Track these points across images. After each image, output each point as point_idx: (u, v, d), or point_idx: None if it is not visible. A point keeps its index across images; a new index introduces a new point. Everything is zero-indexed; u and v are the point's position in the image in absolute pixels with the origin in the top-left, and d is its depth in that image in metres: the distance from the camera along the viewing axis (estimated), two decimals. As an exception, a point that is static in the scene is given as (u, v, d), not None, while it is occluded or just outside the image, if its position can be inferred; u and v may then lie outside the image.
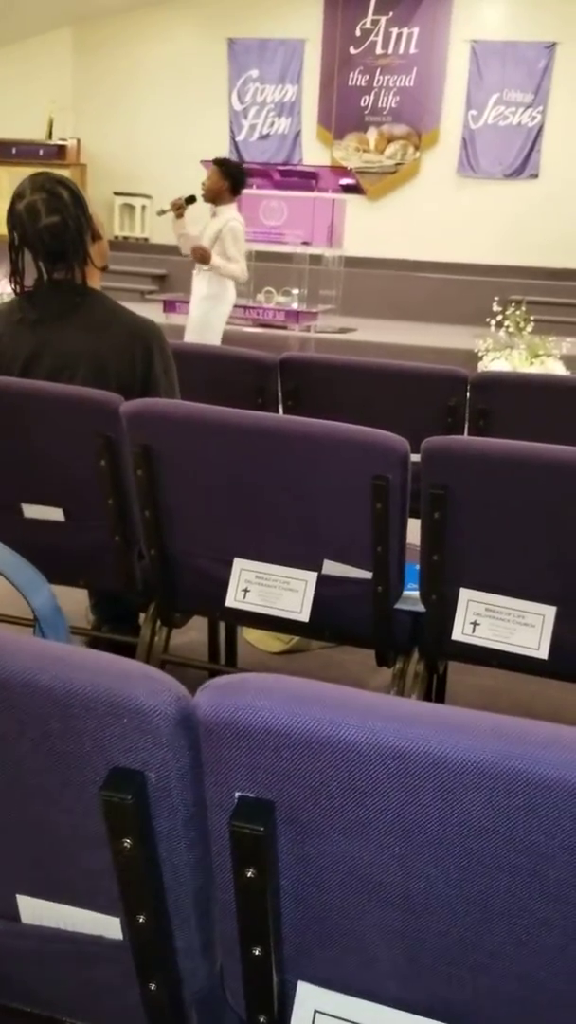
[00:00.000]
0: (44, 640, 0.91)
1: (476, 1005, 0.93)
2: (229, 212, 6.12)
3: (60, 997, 1.11)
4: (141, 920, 0.95)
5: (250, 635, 3.39)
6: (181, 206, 6.20)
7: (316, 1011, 0.97)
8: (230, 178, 6.09)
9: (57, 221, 2.47)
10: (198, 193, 6.19)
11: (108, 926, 1.02)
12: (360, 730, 0.78)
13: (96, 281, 2.64)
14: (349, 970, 0.95)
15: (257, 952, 0.92)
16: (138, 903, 0.94)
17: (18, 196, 2.49)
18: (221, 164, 6.19)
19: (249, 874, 0.86)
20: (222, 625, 3.10)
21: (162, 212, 6.48)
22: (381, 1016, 0.95)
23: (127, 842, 0.88)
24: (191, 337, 6.21)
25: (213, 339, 6.23)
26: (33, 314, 2.52)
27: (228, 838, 0.85)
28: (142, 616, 2.67)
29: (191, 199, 6.23)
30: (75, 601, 3.18)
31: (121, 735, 0.85)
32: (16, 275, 2.56)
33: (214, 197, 6.09)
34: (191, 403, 2.26)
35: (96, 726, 0.85)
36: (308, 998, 0.97)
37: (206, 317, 6.27)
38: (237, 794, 0.85)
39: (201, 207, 6.31)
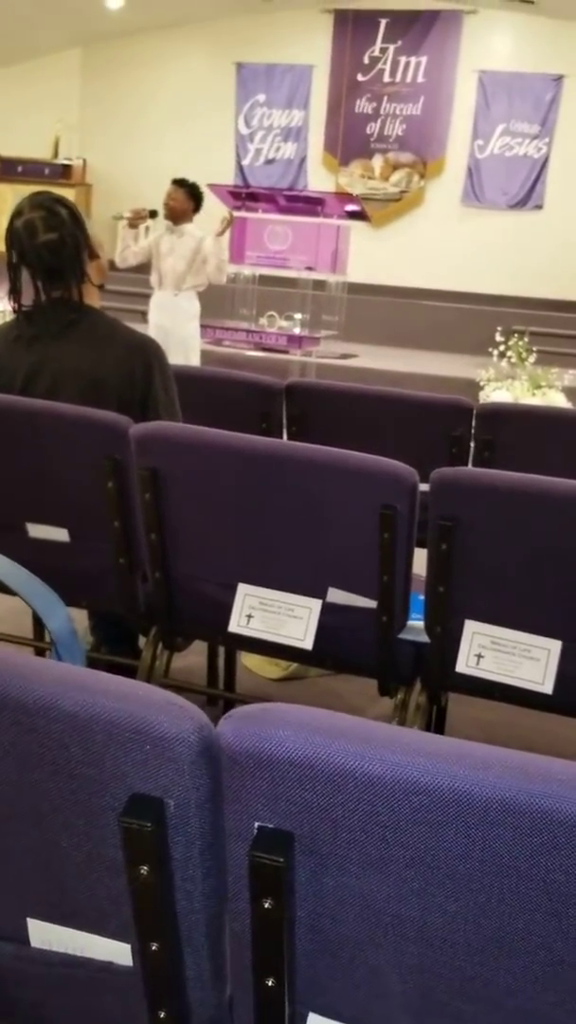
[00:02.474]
0: (66, 664, 0.91)
1: (488, 1042, 0.92)
2: (196, 229, 6.43)
3: (63, 1022, 1.11)
4: (154, 948, 0.95)
5: (248, 661, 3.39)
6: (144, 217, 6.36)
7: (326, 1044, 0.96)
8: (194, 199, 6.45)
9: (55, 238, 2.48)
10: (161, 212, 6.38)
11: (118, 953, 1.02)
12: (384, 764, 0.78)
13: (95, 299, 2.65)
14: (361, 1003, 0.95)
15: (270, 983, 0.91)
16: (152, 930, 0.93)
17: (16, 214, 2.51)
18: (187, 185, 6.44)
19: (267, 904, 0.86)
20: (221, 650, 3.10)
21: (119, 217, 6.61)
22: (391, 1051, 0.95)
23: (144, 869, 0.88)
24: (179, 359, 6.32)
25: (197, 359, 6.42)
26: (30, 331, 2.53)
27: (246, 868, 0.85)
28: (141, 638, 2.67)
29: (153, 213, 6.41)
30: (75, 622, 3.18)
31: (142, 762, 0.85)
32: (14, 293, 2.57)
33: (179, 216, 6.27)
34: (199, 427, 2.26)
35: (117, 752, 0.86)
36: (319, 1031, 0.97)
37: (193, 337, 6.46)
38: (257, 824, 0.85)
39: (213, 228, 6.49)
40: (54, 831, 0.95)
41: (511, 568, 2.09)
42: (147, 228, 6.55)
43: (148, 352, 2.59)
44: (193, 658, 3.15)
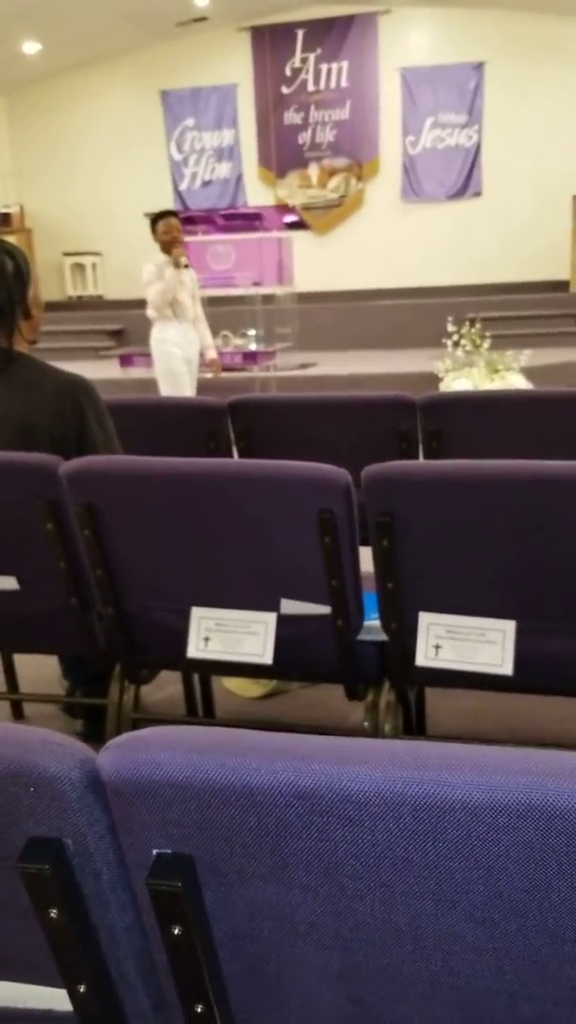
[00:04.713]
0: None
1: (428, 1038, 0.91)
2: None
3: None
4: (82, 990, 0.93)
5: (229, 683, 3.37)
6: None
7: (269, 1063, 0.95)
8: None
9: None
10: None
11: (56, 998, 1.00)
12: (260, 773, 0.77)
13: (23, 349, 2.65)
14: (295, 1015, 0.94)
15: (199, 1009, 0.90)
16: (76, 972, 0.92)
17: None
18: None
19: (176, 931, 0.84)
20: (197, 676, 3.08)
21: (187, 265, 6.56)
22: (335, 1061, 0.94)
23: (53, 912, 0.87)
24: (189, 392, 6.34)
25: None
26: None
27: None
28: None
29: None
30: (49, 667, 3.16)
31: (31, 805, 0.84)
32: None
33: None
34: (130, 457, 2.26)
35: (4, 799, 0.84)
36: (260, 1050, 0.95)
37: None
38: (155, 851, 0.84)
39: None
40: (-35, 885, 0.93)
41: (454, 555, 2.09)
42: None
43: (78, 391, 2.58)
44: (172, 687, 3.13)
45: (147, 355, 9.14)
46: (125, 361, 8.41)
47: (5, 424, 2.49)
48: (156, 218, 6.43)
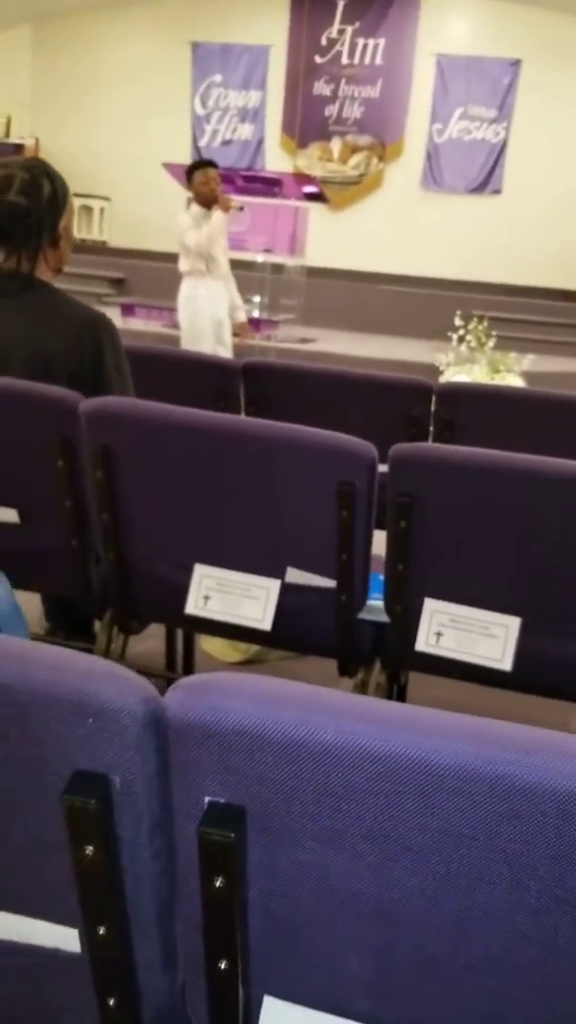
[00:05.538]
0: (3, 637, 0.87)
1: (449, 1021, 0.90)
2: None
3: (14, 1015, 1.06)
4: (102, 932, 0.91)
5: (208, 645, 3.35)
6: None
7: (282, 1027, 0.93)
8: None
9: (20, 203, 2.41)
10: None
11: (65, 938, 0.98)
12: (337, 732, 0.74)
13: (47, 278, 2.58)
14: (318, 984, 0.92)
15: (223, 966, 0.88)
16: (99, 914, 0.89)
17: (3, 164, 2.44)
18: None
19: (217, 883, 0.82)
20: (180, 633, 3.05)
21: (240, 207, 6.43)
22: (349, 1032, 0.92)
23: (89, 849, 0.84)
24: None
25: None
26: None
27: (196, 845, 0.82)
28: (97, 623, 2.61)
29: None
30: (32, 606, 3.12)
31: (85, 737, 0.81)
32: None
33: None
34: (153, 403, 2.21)
35: (59, 727, 0.81)
36: (274, 1013, 0.93)
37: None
38: (207, 799, 0.81)
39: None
40: (-5, 812, 0.90)
41: (470, 545, 2.07)
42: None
43: (99, 328, 2.51)
44: (151, 642, 3.10)
45: (149, 307, 9.07)
46: (127, 311, 8.32)
47: (20, 351, 2.43)
48: (194, 167, 6.21)
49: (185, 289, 6.31)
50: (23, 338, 2.43)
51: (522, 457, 1.99)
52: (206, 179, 6.04)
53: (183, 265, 6.22)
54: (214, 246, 6.11)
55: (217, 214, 6.03)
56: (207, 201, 6.03)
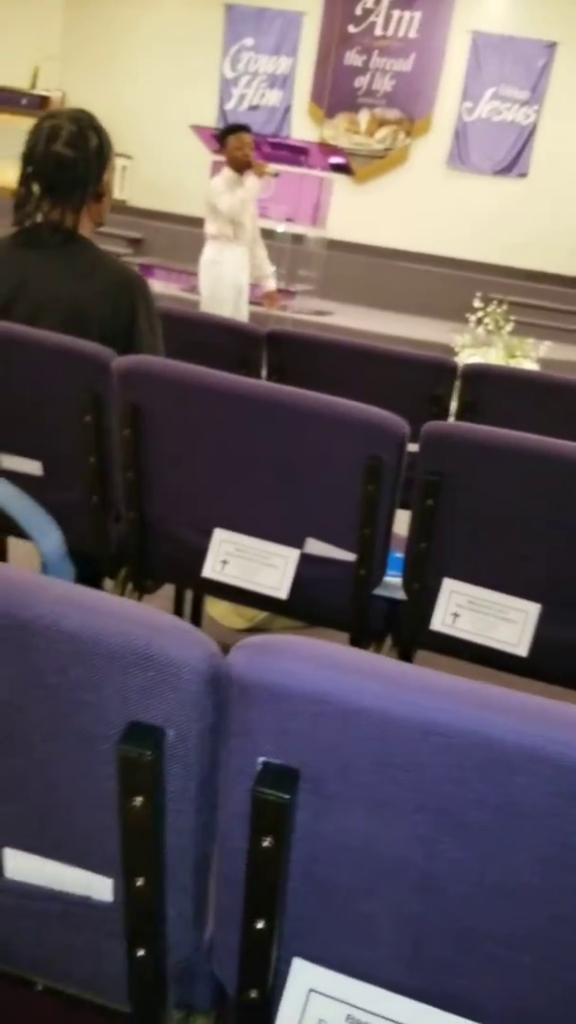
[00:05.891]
0: (70, 584, 0.87)
1: (478, 994, 0.90)
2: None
3: (38, 957, 1.07)
4: (139, 883, 0.91)
5: (213, 610, 3.35)
6: None
7: (311, 990, 0.94)
8: None
9: (69, 155, 2.39)
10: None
11: (99, 887, 0.98)
12: (403, 703, 0.74)
13: (87, 233, 2.57)
14: (349, 950, 0.92)
15: (260, 925, 0.88)
16: (139, 865, 0.90)
17: (50, 115, 2.43)
18: None
19: (266, 843, 0.82)
20: (189, 596, 3.06)
21: (275, 173, 6.37)
22: (378, 999, 0.93)
23: (138, 800, 0.84)
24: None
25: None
26: (17, 235, 2.44)
27: (246, 804, 0.82)
28: (108, 581, 2.61)
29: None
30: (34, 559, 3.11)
31: (145, 688, 0.81)
32: (17, 203, 2.46)
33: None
34: (186, 364, 2.20)
35: (120, 677, 0.81)
36: (303, 976, 0.94)
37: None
38: (262, 759, 0.81)
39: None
40: (43, 757, 0.90)
41: (495, 528, 2.07)
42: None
43: (134, 287, 2.50)
44: (159, 602, 3.10)
45: (168, 269, 9.02)
46: (146, 271, 8.25)
47: (57, 306, 2.41)
48: (228, 131, 6.12)
49: (209, 253, 6.23)
50: (60, 293, 2.42)
51: (553, 442, 1.98)
52: (240, 143, 5.97)
53: (210, 228, 6.15)
54: (243, 212, 6.06)
55: (251, 179, 5.97)
56: (240, 165, 5.96)
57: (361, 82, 11.56)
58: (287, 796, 0.80)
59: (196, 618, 3.05)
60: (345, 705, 0.76)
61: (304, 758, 0.81)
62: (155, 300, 2.60)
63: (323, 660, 0.78)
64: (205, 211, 6.21)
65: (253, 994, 0.95)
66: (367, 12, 11.36)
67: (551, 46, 10.86)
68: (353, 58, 11.53)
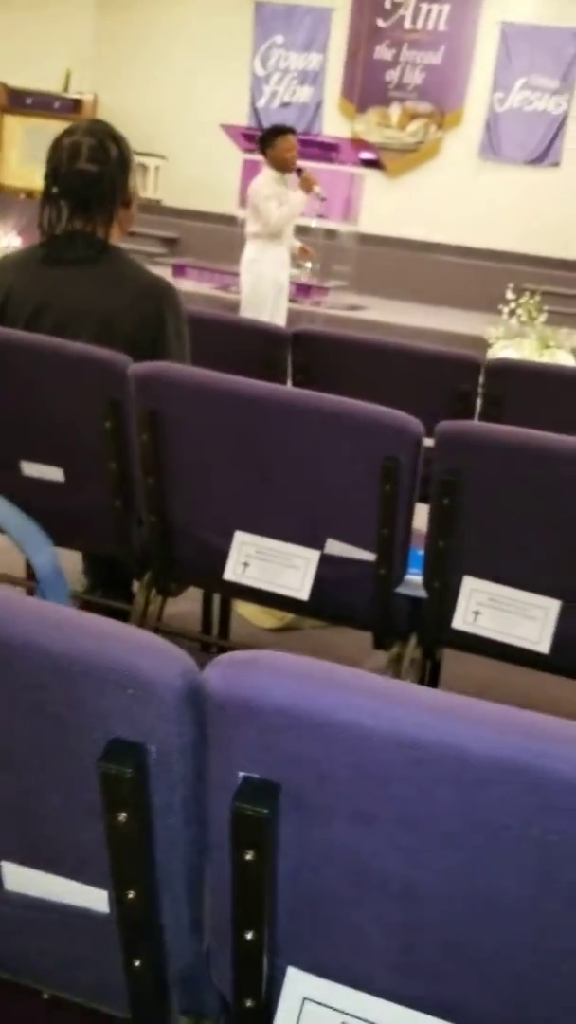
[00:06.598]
0: (49, 602, 0.88)
1: (469, 1002, 0.90)
2: None
3: (39, 967, 1.09)
4: (131, 896, 0.92)
5: (244, 609, 3.36)
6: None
7: (305, 998, 0.94)
8: None
9: (93, 170, 2.42)
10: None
11: (96, 899, 0.99)
12: (378, 717, 0.74)
13: (117, 241, 2.59)
14: (341, 959, 0.93)
15: (250, 936, 0.89)
16: (129, 878, 0.91)
17: (68, 132, 2.45)
18: None
19: (248, 857, 0.83)
20: (216, 597, 3.07)
21: (322, 197, 6.38)
22: (371, 1006, 0.93)
23: (122, 816, 0.85)
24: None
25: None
26: (46, 254, 2.47)
27: (229, 818, 0.82)
28: (135, 583, 2.63)
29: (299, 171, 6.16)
30: (69, 563, 3.15)
31: (124, 706, 0.82)
32: (44, 223, 2.49)
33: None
34: (202, 370, 2.21)
35: (98, 695, 0.82)
36: (297, 984, 0.94)
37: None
38: (242, 774, 0.82)
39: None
40: (32, 775, 0.92)
41: (513, 526, 2.05)
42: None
43: (162, 296, 2.52)
44: (187, 604, 3.12)
45: (201, 268, 9.05)
46: (178, 271, 8.30)
47: (86, 318, 2.44)
48: (276, 132, 6.06)
49: (251, 252, 6.22)
50: (90, 304, 2.45)
51: (567, 439, 1.97)
52: (289, 145, 5.93)
53: (251, 228, 6.13)
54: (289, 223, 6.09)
55: (299, 194, 5.98)
56: (287, 167, 5.94)
57: (392, 76, 11.50)
58: (266, 811, 0.80)
59: (225, 619, 3.06)
60: (321, 719, 0.76)
61: (285, 772, 0.81)
62: (184, 305, 2.62)
63: (299, 675, 0.78)
64: (248, 211, 6.19)
65: (249, 1003, 0.95)
66: (396, 6, 11.30)
67: (580, 34, 10.74)
68: (383, 52, 11.47)
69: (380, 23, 11.42)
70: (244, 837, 0.82)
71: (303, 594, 2.20)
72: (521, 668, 2.27)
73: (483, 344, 7.41)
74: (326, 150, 8.73)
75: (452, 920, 0.84)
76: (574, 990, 0.84)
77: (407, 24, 11.33)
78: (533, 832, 0.74)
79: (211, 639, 3.05)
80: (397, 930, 0.87)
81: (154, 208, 12.16)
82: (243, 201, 8.36)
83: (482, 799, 0.74)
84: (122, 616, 2.56)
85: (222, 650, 3.01)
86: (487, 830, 0.76)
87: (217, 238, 9.56)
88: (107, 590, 2.94)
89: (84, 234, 2.46)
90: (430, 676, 2.72)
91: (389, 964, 0.91)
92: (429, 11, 11.22)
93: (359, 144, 9.60)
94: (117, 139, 2.47)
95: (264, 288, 6.16)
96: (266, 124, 11.47)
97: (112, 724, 0.84)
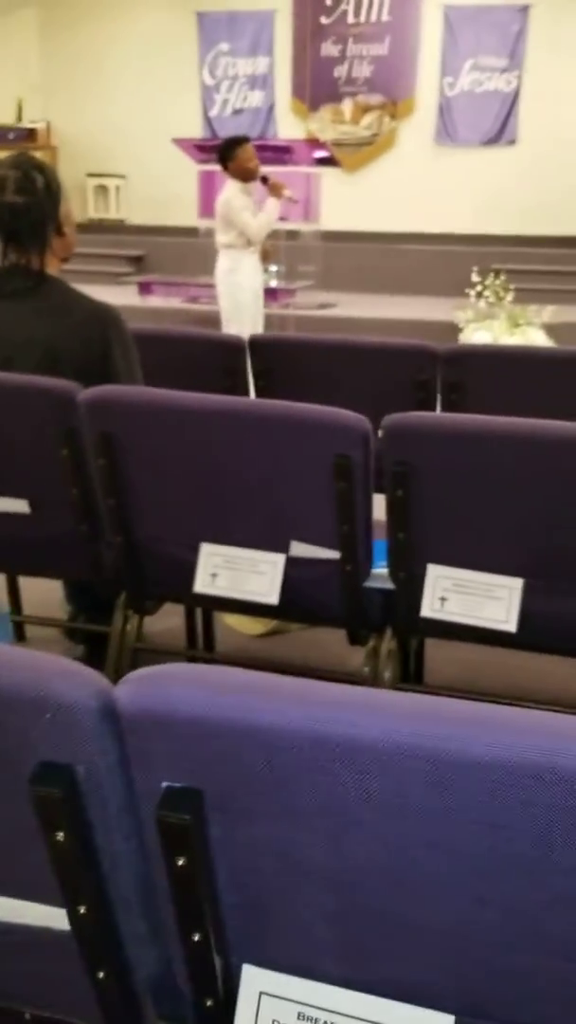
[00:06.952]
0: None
1: (419, 981, 0.93)
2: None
3: (12, 987, 1.12)
4: (82, 911, 0.95)
5: (230, 619, 3.39)
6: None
7: (261, 992, 0.97)
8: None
9: (20, 202, 2.45)
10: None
11: (55, 917, 1.03)
12: (275, 716, 0.78)
13: (55, 270, 2.62)
14: (292, 951, 0.96)
15: (197, 938, 0.92)
16: (77, 894, 0.94)
17: None
18: None
19: (180, 862, 0.86)
20: (199, 610, 3.10)
21: (292, 200, 6.42)
22: (326, 995, 0.96)
23: (60, 835, 0.89)
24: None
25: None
26: None
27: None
28: (117, 604, 2.66)
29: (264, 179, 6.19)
30: (53, 591, 3.19)
31: (47, 730, 0.85)
32: None
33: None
34: (150, 388, 2.25)
35: (21, 722, 0.86)
36: (253, 980, 0.98)
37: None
38: (164, 784, 0.85)
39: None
40: (-26, 802, 0.95)
41: (468, 510, 2.09)
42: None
43: (106, 320, 2.55)
44: (174, 620, 3.15)
45: (168, 284, 9.08)
46: (144, 289, 8.33)
47: (32, 349, 2.48)
48: (233, 144, 6.04)
49: (226, 263, 6.21)
50: (35, 337, 2.48)
51: (514, 421, 2.00)
52: (250, 155, 5.93)
53: (222, 239, 6.12)
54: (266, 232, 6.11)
55: (272, 201, 6.00)
56: (251, 177, 5.95)
57: (340, 71, 11.53)
58: (188, 817, 0.83)
59: (208, 630, 3.09)
60: (226, 724, 0.80)
61: (205, 778, 0.84)
62: (128, 328, 2.65)
63: (206, 684, 0.82)
64: (217, 222, 6.20)
65: (209, 1003, 0.99)
66: (337, 2, 11.34)
67: (523, 10, 10.76)
68: (329, 49, 11.50)
69: (323, 20, 11.45)
70: (172, 844, 0.85)
71: (272, 598, 2.23)
72: (511, 649, 2.30)
73: (455, 329, 7.44)
74: (280, 153, 8.76)
75: (380, 902, 0.87)
76: (514, 957, 0.88)
77: (350, 18, 11.36)
78: (437, 811, 0.78)
79: (197, 652, 3.08)
80: (334, 918, 0.90)
81: (118, 228, 12.21)
82: (203, 212, 8.42)
83: (381, 784, 0.78)
84: (107, 639, 2.60)
85: (209, 662, 3.04)
86: (392, 814, 0.79)
87: (183, 251, 9.60)
88: (90, 615, 2.97)
89: (20, 267, 2.49)
90: (415, 665, 2.75)
91: (335, 952, 0.94)
92: (371, 3, 11.25)
93: (312, 143, 9.64)
94: (42, 168, 2.51)
95: (243, 297, 6.18)
96: (221, 133, 11.52)
97: (40, 748, 0.88)
